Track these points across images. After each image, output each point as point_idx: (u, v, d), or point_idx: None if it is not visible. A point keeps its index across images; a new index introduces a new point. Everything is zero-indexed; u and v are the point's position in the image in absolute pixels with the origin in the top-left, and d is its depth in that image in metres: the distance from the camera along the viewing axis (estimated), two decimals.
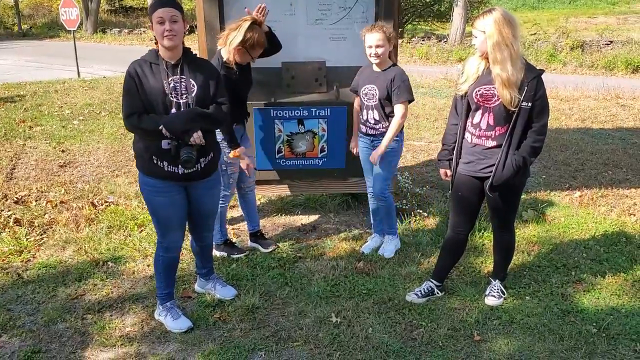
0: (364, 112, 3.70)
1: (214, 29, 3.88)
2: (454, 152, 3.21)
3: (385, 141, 3.63)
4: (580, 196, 5.04)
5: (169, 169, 2.82)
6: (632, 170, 5.71)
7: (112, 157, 6.28)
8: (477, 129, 3.05)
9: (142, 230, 4.34)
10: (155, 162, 2.81)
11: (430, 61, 15.84)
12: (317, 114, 4.19)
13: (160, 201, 2.90)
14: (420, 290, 3.41)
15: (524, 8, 39.15)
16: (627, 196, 5.04)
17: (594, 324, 3.11)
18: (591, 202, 4.90)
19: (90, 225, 4.46)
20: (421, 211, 4.58)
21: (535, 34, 19.23)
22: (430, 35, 20.97)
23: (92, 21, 26.16)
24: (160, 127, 2.67)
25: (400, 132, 3.73)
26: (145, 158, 2.83)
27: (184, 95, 2.76)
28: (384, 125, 3.67)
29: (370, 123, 3.70)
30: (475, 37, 2.90)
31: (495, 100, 2.94)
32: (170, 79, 2.73)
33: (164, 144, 2.75)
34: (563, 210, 4.72)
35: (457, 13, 18.96)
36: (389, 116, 3.66)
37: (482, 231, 4.17)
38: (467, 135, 3.13)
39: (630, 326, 3.10)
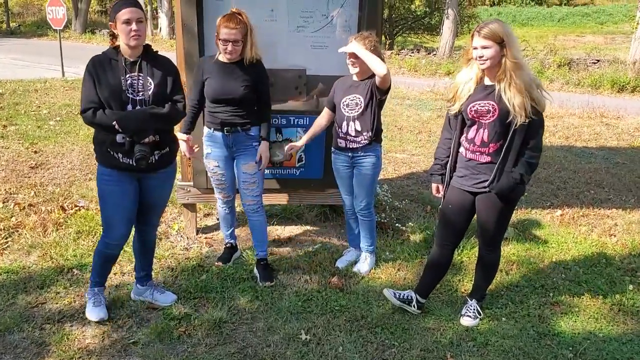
0: (344, 125, 3.57)
1: (192, 32, 3.77)
2: (447, 166, 3.14)
3: (359, 49, 3.34)
4: (561, 215, 4.98)
5: (124, 161, 2.89)
6: (614, 190, 5.67)
7: (86, 160, 6.12)
8: (472, 144, 2.98)
9: None
10: (111, 153, 2.88)
11: (418, 73, 15.85)
12: (296, 122, 4.08)
13: (112, 190, 2.95)
14: (399, 294, 3.34)
15: (514, 24, 39.57)
16: (608, 216, 4.99)
17: (570, 348, 3.03)
18: (572, 222, 4.84)
19: (58, 229, 4.31)
20: (400, 225, 4.49)
21: (523, 50, 19.35)
22: (419, 48, 21.03)
23: (82, 21, 25.94)
24: (113, 124, 2.76)
25: (378, 146, 3.64)
26: (102, 149, 2.91)
27: (141, 93, 2.83)
28: (366, 137, 3.53)
29: (351, 136, 3.57)
30: (485, 47, 2.81)
31: (491, 117, 2.88)
32: (127, 76, 2.81)
33: (119, 137, 2.83)
34: (544, 229, 4.65)
35: (447, 27, 19.05)
36: (373, 126, 3.52)
37: (462, 248, 4.08)
38: (462, 150, 3.06)
39: (607, 352, 3.02)
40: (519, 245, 4.29)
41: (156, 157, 2.94)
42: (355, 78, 3.54)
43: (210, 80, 3.46)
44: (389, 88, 3.49)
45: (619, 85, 13.83)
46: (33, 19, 30.12)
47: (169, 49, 20.11)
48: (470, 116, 2.95)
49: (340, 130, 3.60)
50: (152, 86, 2.85)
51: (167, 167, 3.07)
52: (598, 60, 16.41)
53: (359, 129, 3.54)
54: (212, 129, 3.58)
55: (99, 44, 21.79)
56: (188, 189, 4.24)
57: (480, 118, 2.91)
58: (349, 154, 3.64)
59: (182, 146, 3.47)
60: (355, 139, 3.57)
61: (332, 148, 3.74)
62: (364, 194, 3.71)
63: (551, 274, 3.89)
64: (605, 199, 5.42)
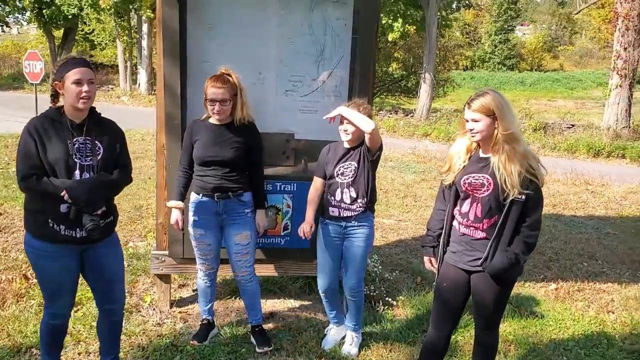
0: (337, 192, 3.36)
1: (175, 94, 3.58)
2: (441, 238, 2.93)
3: (345, 110, 3.18)
4: (556, 289, 4.77)
5: (66, 233, 2.65)
6: (608, 263, 5.51)
7: None
8: (465, 219, 2.79)
9: (77, 310, 3.83)
10: (51, 225, 2.63)
11: (397, 134, 15.94)
12: (282, 188, 3.86)
13: (51, 267, 2.70)
14: None
15: (487, 89, 40.75)
16: (604, 291, 4.80)
17: None
18: (567, 296, 4.63)
19: (18, 302, 3.93)
20: (390, 299, 4.22)
21: None
22: (397, 109, 21.33)
23: None
24: (62, 194, 2.53)
25: (372, 215, 3.43)
26: (39, 220, 2.65)
27: (89, 158, 2.65)
28: (361, 203, 3.33)
29: (345, 203, 3.35)
30: (476, 120, 2.66)
31: (485, 191, 2.70)
32: (74, 140, 2.62)
33: (63, 207, 2.60)
34: (539, 304, 4.42)
35: (424, 90, 19.38)
36: (368, 191, 3.33)
37: (457, 326, 3.81)
38: (455, 223, 2.86)
39: None
40: (515, 322, 4.04)
41: (101, 226, 2.70)
42: (346, 145, 3.37)
43: (199, 142, 3.29)
44: (379, 148, 3.32)
45: (595, 150, 14.03)
46: (10, 71, 29.92)
47: (147, 104, 20.03)
48: (463, 189, 2.78)
49: (333, 198, 3.38)
50: (101, 151, 2.69)
51: (110, 236, 2.86)
52: (572, 125, 16.79)
53: (354, 195, 3.34)
54: (201, 194, 3.36)
55: None
56: (162, 259, 3.93)
57: (474, 191, 2.74)
58: (342, 224, 3.40)
59: (175, 215, 3.30)
60: (350, 206, 3.35)
61: (321, 218, 3.50)
62: (356, 270, 3.45)
63: (551, 355, 3.64)
64: (599, 272, 5.24)
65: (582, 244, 6.06)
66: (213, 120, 3.31)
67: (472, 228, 2.78)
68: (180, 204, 3.32)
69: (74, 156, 2.60)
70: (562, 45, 53.36)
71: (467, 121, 2.71)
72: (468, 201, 2.78)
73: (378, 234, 5.83)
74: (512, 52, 47.23)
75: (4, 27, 30.69)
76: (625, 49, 14.82)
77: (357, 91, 3.68)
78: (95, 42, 35.78)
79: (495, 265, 2.71)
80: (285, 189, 3.84)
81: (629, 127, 15.41)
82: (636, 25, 14.64)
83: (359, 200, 3.33)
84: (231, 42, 3.68)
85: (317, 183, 3.48)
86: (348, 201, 3.34)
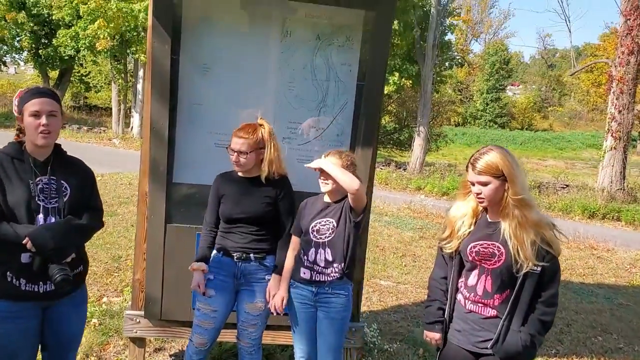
0: (311, 252, 2.96)
1: (162, 137, 3.25)
2: (446, 312, 2.57)
3: (326, 164, 2.87)
4: None
5: (27, 288, 2.32)
6: (624, 338, 5.12)
7: None
8: (473, 293, 2.44)
9: None
10: (9, 279, 2.29)
11: (389, 187, 15.70)
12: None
13: (7, 329, 2.29)
14: None
15: (478, 145, 41.11)
16: None
17: None
18: None
19: None
20: None
21: None
22: (389, 161, 21.20)
23: None
24: (24, 241, 2.21)
25: (349, 284, 3.03)
26: None
27: (54, 200, 2.36)
28: (337, 269, 2.93)
29: (319, 266, 2.95)
30: (483, 184, 2.34)
31: (496, 261, 2.36)
32: (38, 179, 2.34)
33: (24, 257, 2.28)
34: None
35: (418, 143, 19.34)
36: (346, 256, 2.94)
37: None
38: (460, 297, 2.51)
39: None
40: None
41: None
42: (326, 199, 3.04)
43: (226, 198, 3.02)
44: (364, 209, 2.96)
45: (590, 211, 13.89)
46: (3, 110, 29.74)
47: (139, 148, 19.70)
48: (470, 258, 2.45)
49: (306, 258, 2.99)
50: (68, 192, 2.41)
51: (79, 289, 2.55)
52: (567, 185, 16.65)
53: (329, 258, 2.95)
54: (222, 253, 3.03)
55: (66, 139, 21.26)
56: (137, 320, 3.50)
57: (483, 262, 2.41)
58: (313, 289, 2.98)
59: (197, 278, 2.96)
60: (323, 270, 2.95)
61: (292, 280, 3.06)
62: (330, 348, 2.98)
63: None
64: (615, 349, 4.84)
65: (594, 315, 5.66)
66: (238, 173, 3.04)
67: (480, 304, 2.43)
68: (204, 266, 2.97)
69: (36, 198, 2.31)
70: (552, 106, 54.34)
71: (473, 184, 2.39)
72: (475, 273, 2.45)
73: (375, 297, 5.41)
74: (503, 110, 47.99)
75: (2, 66, 30.73)
76: (619, 111, 14.87)
77: (360, 142, 3.38)
78: (91, 84, 35.93)
79: (507, 349, 2.34)
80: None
81: (623, 190, 15.29)
82: (630, 89, 14.75)
83: (334, 265, 2.94)
84: (227, 84, 3.39)
85: (295, 244, 3.10)
86: (322, 264, 2.95)
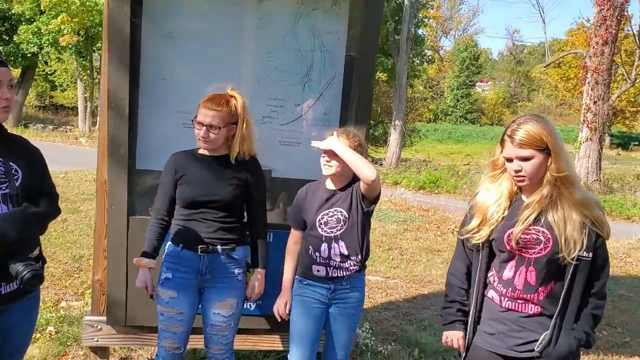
0: (323, 248, 2.61)
1: (121, 113, 2.81)
2: (470, 312, 2.20)
3: (339, 146, 2.51)
4: None
5: None
6: (629, 332, 4.83)
7: None
8: (509, 288, 2.08)
9: None
10: None
11: None
12: None
13: None
14: None
15: (449, 140, 41.26)
16: None
17: None
18: None
19: None
20: None
21: (467, 164, 19.60)
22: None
23: (15, 114, 24.55)
24: None
25: (364, 274, 2.71)
26: None
27: (4, 185, 1.99)
28: (355, 261, 2.62)
29: (335, 261, 2.60)
30: (525, 158, 1.99)
31: (541, 249, 2.00)
32: None
33: None
34: None
35: (394, 138, 19.11)
36: (363, 247, 2.63)
37: None
38: (493, 294, 2.14)
39: None
40: None
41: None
42: (330, 186, 2.67)
43: (187, 178, 2.58)
44: (377, 197, 2.62)
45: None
46: None
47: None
48: (508, 248, 2.08)
49: (317, 254, 2.62)
50: (20, 175, 2.05)
51: (33, 292, 2.18)
52: None
53: (345, 252, 2.60)
54: (180, 246, 2.58)
55: (30, 138, 20.37)
56: (99, 327, 3.06)
57: (524, 251, 2.05)
58: (329, 286, 2.64)
59: (143, 276, 2.56)
60: (341, 264, 2.61)
61: (301, 277, 2.72)
62: (343, 345, 2.71)
63: None
64: (621, 343, 4.54)
65: None
66: (203, 151, 2.62)
67: (521, 301, 2.07)
68: (153, 262, 2.54)
69: None
70: (521, 102, 54.93)
71: (510, 160, 2.03)
72: (512, 264, 2.09)
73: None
74: (473, 106, 48.31)
75: None
76: (595, 102, 14.82)
77: (352, 120, 2.98)
78: (56, 83, 34.78)
79: (560, 351, 2.00)
80: None
81: (600, 181, 15.28)
82: (605, 79, 14.71)
83: (352, 258, 2.61)
84: (196, 55, 2.97)
85: (295, 237, 2.75)
86: (338, 259, 2.61)
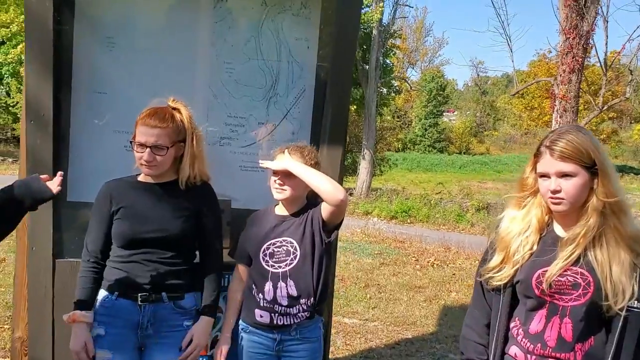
0: (267, 287, 2.15)
1: (45, 129, 2.31)
2: None
3: (295, 165, 2.12)
4: None
5: None
6: None
7: None
8: (538, 344, 1.64)
9: None
10: None
11: None
12: None
13: None
14: None
15: (419, 169, 41.36)
16: None
17: None
18: None
19: None
20: None
21: (439, 193, 19.39)
22: None
23: None
24: None
25: (320, 321, 2.27)
26: None
27: None
28: (306, 306, 2.16)
29: (280, 306, 2.14)
30: (567, 175, 1.59)
31: (579, 295, 1.56)
32: None
33: None
34: None
35: (364, 167, 18.87)
36: (317, 288, 2.17)
37: None
38: (517, 352, 1.70)
39: None
40: None
41: None
42: (280, 211, 2.23)
43: (125, 211, 2.11)
44: (340, 223, 2.21)
45: None
46: None
47: None
48: (537, 292, 1.65)
49: (261, 296, 2.16)
50: None
51: None
52: None
53: (293, 293, 2.14)
54: (116, 294, 2.08)
55: None
56: None
57: (557, 298, 1.62)
58: (275, 336, 2.17)
59: (81, 334, 2.04)
60: (287, 310, 2.15)
61: (243, 324, 2.25)
62: None
63: None
64: None
65: None
66: (144, 177, 2.15)
67: None
68: (89, 315, 2.05)
69: None
70: (487, 131, 55.82)
71: (547, 177, 1.62)
72: (542, 314, 1.65)
73: (340, 339, 4.49)
74: (441, 135, 48.77)
75: None
76: None
77: (325, 141, 2.54)
78: (19, 115, 33.73)
79: None
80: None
81: None
82: (573, 107, 14.74)
83: (301, 301, 2.15)
84: (141, 65, 2.52)
85: (240, 273, 2.30)
86: (284, 302, 2.14)
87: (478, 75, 60.85)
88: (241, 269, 2.28)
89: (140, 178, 2.15)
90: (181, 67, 2.55)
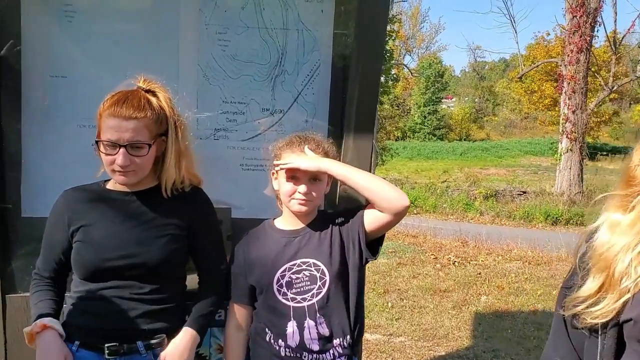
0: (289, 328, 1.61)
1: None
2: None
3: (331, 163, 1.63)
4: None
5: None
6: None
7: None
8: None
9: None
10: None
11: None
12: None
13: None
14: None
15: (420, 157, 40.84)
16: None
17: None
18: None
19: None
20: None
21: (445, 181, 18.89)
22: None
23: None
24: None
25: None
26: None
27: None
28: (344, 344, 1.62)
29: (312, 351, 1.61)
30: None
31: None
32: None
33: None
34: None
35: None
36: (356, 322, 1.65)
37: None
38: None
39: None
40: None
41: None
42: (285, 224, 1.72)
43: (86, 231, 1.59)
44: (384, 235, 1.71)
45: (552, 217, 13.25)
46: None
47: None
48: None
49: (281, 343, 1.63)
50: None
51: None
52: (524, 192, 15.96)
53: (325, 332, 1.61)
54: (77, 343, 1.57)
55: None
56: None
57: None
58: None
59: (54, 349, 1.48)
60: (320, 357, 1.62)
61: None
62: None
63: None
64: None
65: None
66: (114, 184, 1.62)
67: None
68: (55, 323, 1.52)
69: None
70: (487, 116, 55.33)
71: None
72: None
73: (363, 358, 3.97)
74: (440, 122, 48.30)
75: None
76: (573, 111, 14.29)
77: (351, 129, 1.98)
78: None
79: None
80: (219, 316, 2.00)
81: (583, 193, 14.69)
82: (582, 88, 14.21)
83: (335, 342, 1.63)
84: (110, 41, 1.96)
85: (239, 317, 1.73)
86: (316, 347, 1.61)
87: (476, 60, 60.28)
88: (241, 312, 1.72)
89: (110, 186, 1.61)
90: (161, 40, 2.00)
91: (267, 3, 2.01)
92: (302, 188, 1.60)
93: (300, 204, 1.62)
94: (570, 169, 14.66)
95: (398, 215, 1.56)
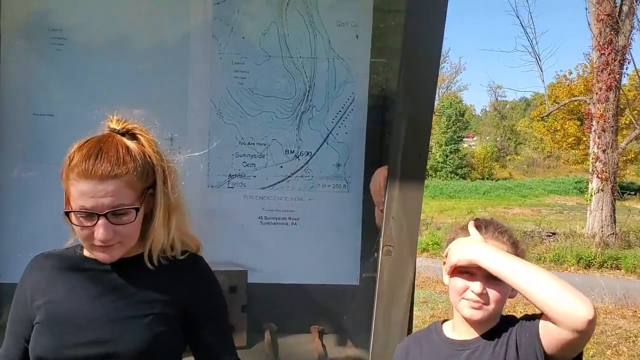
0: None
1: None
2: None
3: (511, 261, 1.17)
4: None
5: None
6: None
7: None
8: None
9: None
10: None
11: None
12: None
13: None
14: None
15: (442, 196, 40.29)
16: None
17: None
18: None
19: None
20: None
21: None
22: None
23: None
24: None
25: None
26: None
27: None
28: None
29: None
30: None
31: None
32: None
33: None
34: None
35: None
36: None
37: None
38: None
39: None
40: None
41: None
42: (453, 333, 1.33)
43: (50, 312, 1.21)
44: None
45: (585, 260, 12.69)
46: None
47: None
48: None
49: None
50: None
51: None
52: (554, 233, 15.36)
53: None
54: None
55: None
56: None
57: None
58: None
59: None
60: None
61: None
62: None
63: None
64: None
65: None
66: (90, 252, 1.24)
67: None
68: None
69: None
70: (509, 155, 54.90)
71: None
72: None
73: None
74: (463, 161, 47.98)
75: None
76: (603, 150, 13.82)
77: (397, 177, 1.61)
78: None
79: None
80: None
81: (616, 235, 14.08)
82: (612, 126, 13.76)
83: None
84: (105, 72, 1.66)
85: None
86: None
87: (497, 99, 60.27)
88: None
89: (87, 252, 1.25)
90: (167, 71, 1.69)
91: (292, 28, 1.70)
92: (477, 287, 1.21)
93: (473, 307, 1.23)
94: (601, 209, 14.12)
95: (580, 333, 1.11)
